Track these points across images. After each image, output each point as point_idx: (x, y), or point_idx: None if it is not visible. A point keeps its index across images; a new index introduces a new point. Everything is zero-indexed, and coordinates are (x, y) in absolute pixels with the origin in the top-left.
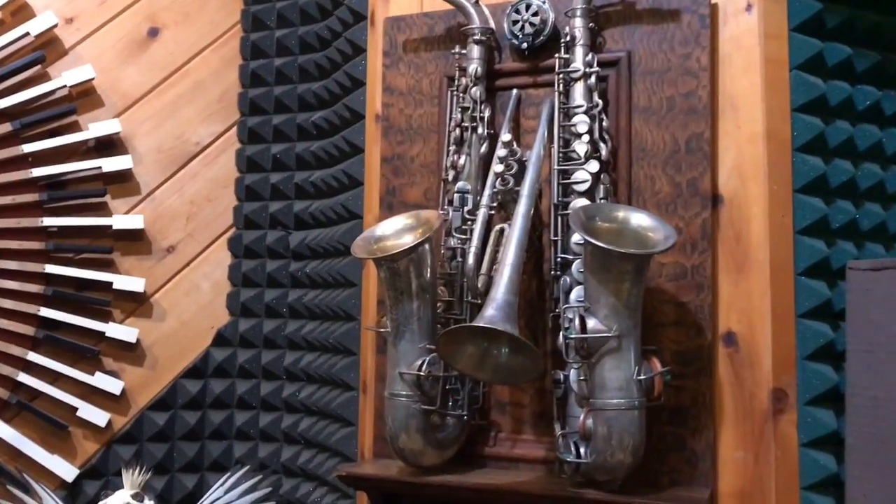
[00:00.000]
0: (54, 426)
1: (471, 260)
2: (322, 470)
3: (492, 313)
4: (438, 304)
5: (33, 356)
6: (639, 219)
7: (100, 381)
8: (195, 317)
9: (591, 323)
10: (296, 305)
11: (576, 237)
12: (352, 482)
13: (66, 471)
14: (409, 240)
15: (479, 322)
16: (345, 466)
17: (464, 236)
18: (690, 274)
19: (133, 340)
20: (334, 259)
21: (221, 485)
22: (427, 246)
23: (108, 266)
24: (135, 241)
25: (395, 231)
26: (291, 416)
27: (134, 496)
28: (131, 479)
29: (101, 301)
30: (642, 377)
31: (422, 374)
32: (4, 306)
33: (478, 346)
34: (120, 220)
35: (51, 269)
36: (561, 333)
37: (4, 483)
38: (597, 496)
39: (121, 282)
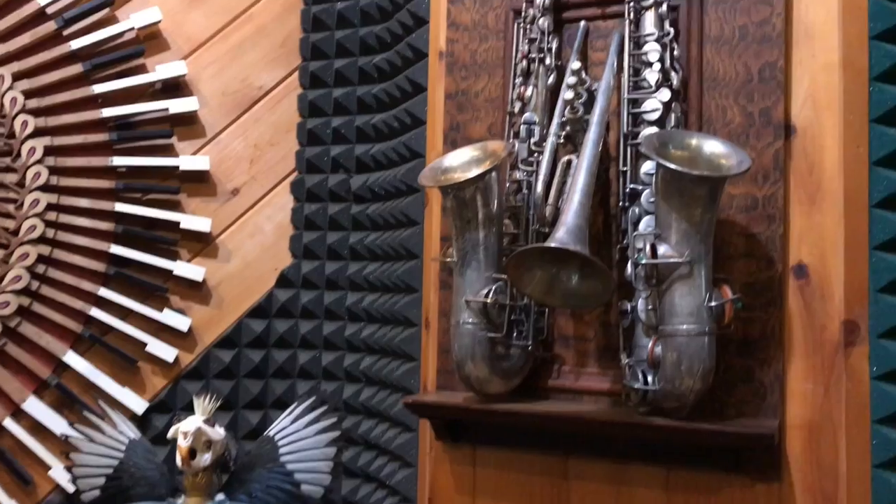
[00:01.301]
0: (125, 361)
1: (539, 188)
2: (384, 405)
3: (562, 235)
4: (504, 237)
5: (104, 292)
6: (712, 146)
7: (168, 318)
8: (259, 258)
9: (662, 249)
10: (357, 247)
11: (646, 166)
12: (417, 409)
13: (136, 403)
14: (476, 171)
15: (551, 243)
16: (410, 397)
17: (530, 168)
18: (761, 205)
19: (200, 279)
20: (396, 200)
21: (288, 415)
22: (494, 175)
23: (175, 206)
24: (201, 182)
25: (462, 163)
26: (353, 354)
27: (205, 421)
28: (202, 406)
29: (168, 240)
30: (713, 304)
31: (488, 301)
32: (77, 243)
33: (547, 271)
34: (186, 162)
35: (120, 207)
36: (629, 262)
37: (80, 411)
38: (664, 423)
39: (188, 222)
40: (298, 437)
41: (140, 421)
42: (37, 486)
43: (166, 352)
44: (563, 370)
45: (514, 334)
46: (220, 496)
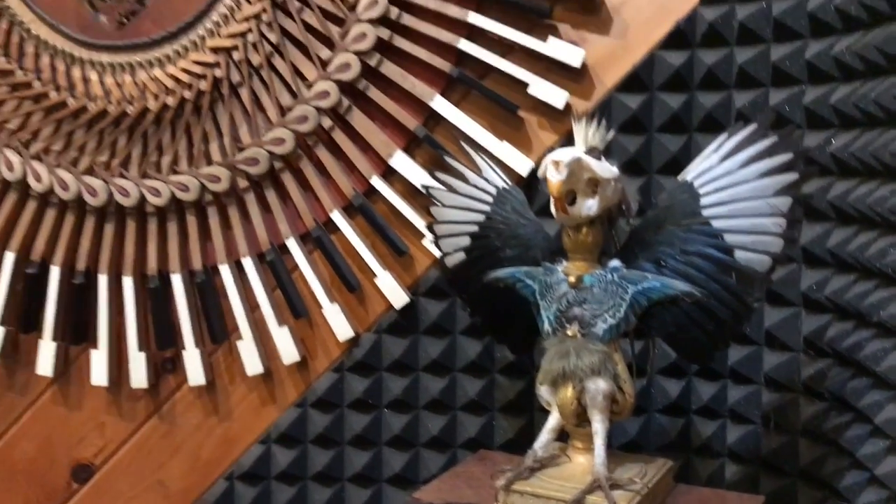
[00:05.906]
0: (503, 108)
1: None
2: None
3: None
4: None
5: (474, 17)
6: None
7: (554, 49)
8: None
9: None
10: None
11: None
12: None
13: (520, 162)
14: None
15: None
16: None
17: None
18: None
19: None
20: None
21: (715, 150)
22: None
23: None
24: None
25: None
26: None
27: (589, 151)
28: (584, 134)
29: None
30: None
31: None
32: None
33: None
34: None
35: None
36: None
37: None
38: None
39: None
40: (730, 181)
41: (525, 186)
42: (414, 259)
43: (554, 95)
44: None
45: None
46: (615, 262)
